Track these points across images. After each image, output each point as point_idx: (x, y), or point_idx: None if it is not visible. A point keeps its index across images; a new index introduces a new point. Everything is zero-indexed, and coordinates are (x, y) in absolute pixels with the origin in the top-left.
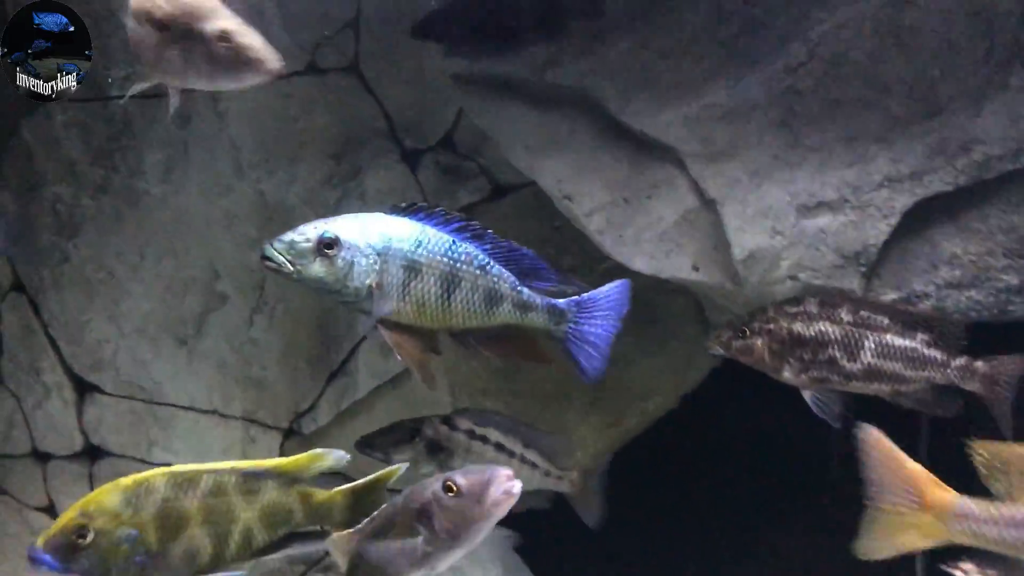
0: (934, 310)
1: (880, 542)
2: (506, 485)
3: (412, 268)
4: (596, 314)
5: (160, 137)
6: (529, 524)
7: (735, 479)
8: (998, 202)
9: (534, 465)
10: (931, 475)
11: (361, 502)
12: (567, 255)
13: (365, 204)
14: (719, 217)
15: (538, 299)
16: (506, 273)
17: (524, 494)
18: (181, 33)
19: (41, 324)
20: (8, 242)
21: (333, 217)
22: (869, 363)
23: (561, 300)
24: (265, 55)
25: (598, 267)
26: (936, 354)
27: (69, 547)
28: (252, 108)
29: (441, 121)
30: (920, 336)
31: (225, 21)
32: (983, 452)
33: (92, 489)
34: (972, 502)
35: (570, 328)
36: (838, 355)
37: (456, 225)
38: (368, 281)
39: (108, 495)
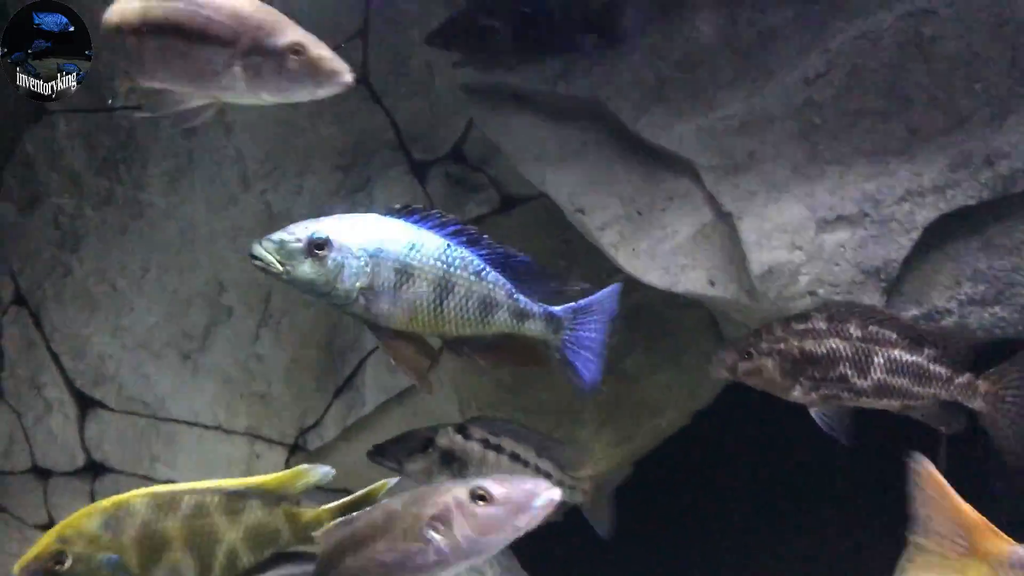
0: (938, 326)
1: None
2: (548, 497)
3: (404, 272)
4: (592, 320)
5: (165, 148)
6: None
7: (744, 492)
8: (1023, 216)
9: (548, 475)
10: (986, 520)
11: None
12: (577, 268)
13: None
14: (735, 231)
15: (535, 307)
16: (502, 280)
17: None
18: (249, 48)
19: (43, 338)
20: None
21: (324, 217)
22: (879, 379)
23: (558, 308)
24: (338, 66)
25: (609, 281)
26: (941, 370)
27: (46, 574)
28: (258, 119)
29: (450, 132)
30: (926, 351)
31: (295, 33)
32: None
33: None
34: None
35: (567, 336)
36: (849, 372)
37: (451, 229)
38: (358, 284)
39: (86, 519)
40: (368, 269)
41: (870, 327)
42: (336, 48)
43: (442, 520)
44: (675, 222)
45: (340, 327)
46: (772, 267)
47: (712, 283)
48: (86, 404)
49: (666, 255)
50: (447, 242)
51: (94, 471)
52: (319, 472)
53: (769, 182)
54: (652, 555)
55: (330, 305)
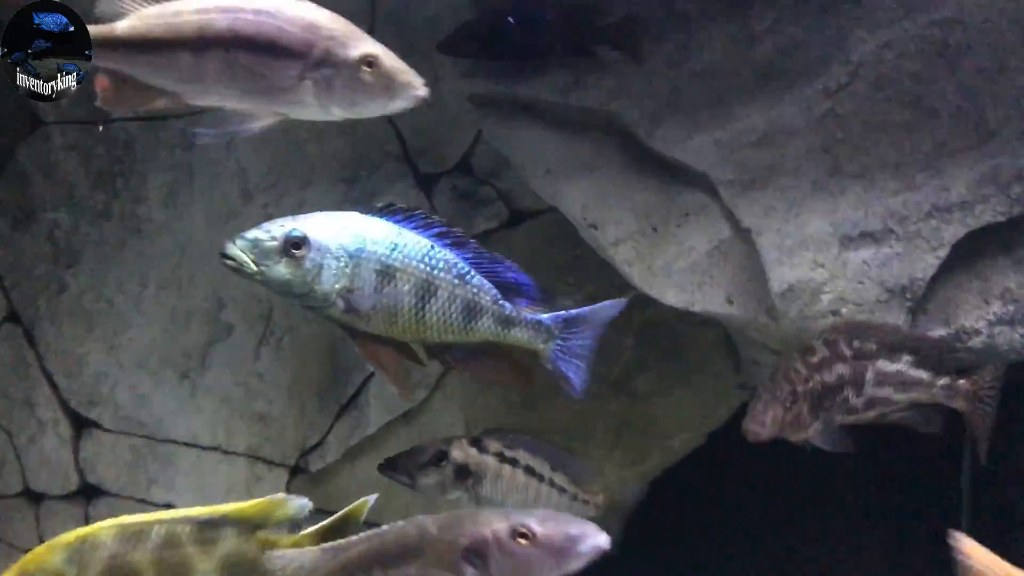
0: (916, 330)
1: None
2: (594, 543)
3: (386, 273)
4: (585, 330)
5: (164, 161)
6: None
7: (756, 512)
8: None
9: (562, 489)
10: None
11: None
12: (588, 284)
13: None
14: (755, 248)
15: (522, 314)
16: (487, 284)
17: None
18: (320, 60)
19: (36, 357)
20: None
21: (302, 215)
22: (871, 394)
23: (546, 315)
24: (413, 80)
25: (621, 296)
26: (922, 375)
27: None
28: (260, 132)
29: (458, 144)
30: (905, 357)
31: (368, 44)
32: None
33: None
34: None
35: (558, 344)
36: (850, 393)
37: (436, 230)
38: (337, 285)
39: (50, 553)
40: (348, 270)
41: (855, 343)
42: None
43: (478, 553)
44: (691, 238)
45: (343, 345)
46: (793, 285)
47: (730, 301)
48: (80, 424)
49: (683, 272)
50: (431, 243)
51: (88, 494)
52: (296, 504)
53: (789, 197)
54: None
55: (306, 308)
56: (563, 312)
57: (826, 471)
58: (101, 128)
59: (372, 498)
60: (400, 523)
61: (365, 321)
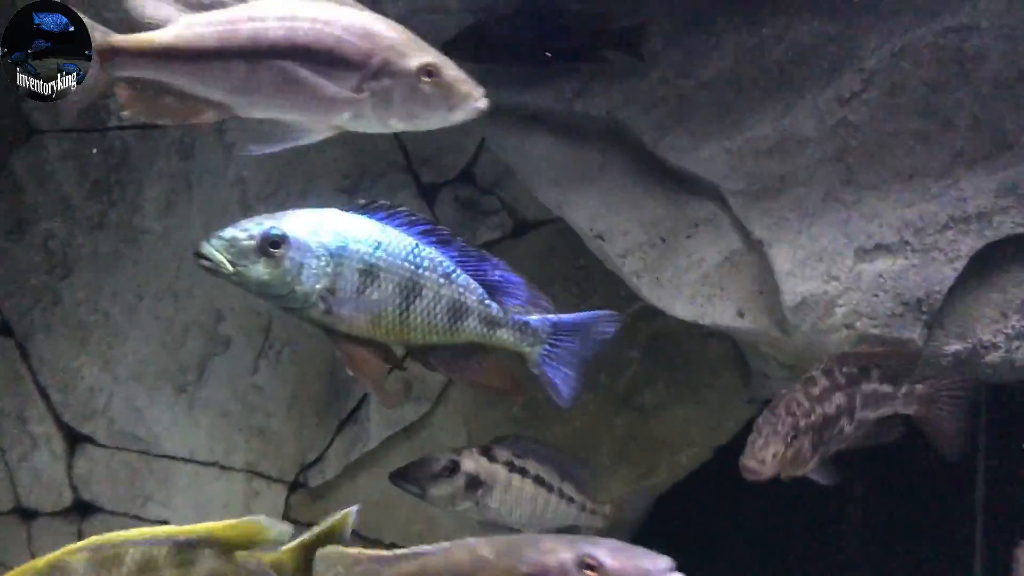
0: (884, 344)
1: None
2: None
3: (369, 273)
4: (575, 339)
5: (161, 170)
6: None
7: (764, 530)
8: None
9: (570, 500)
10: None
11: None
12: (594, 296)
13: None
14: (766, 259)
15: (508, 315)
16: (474, 284)
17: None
18: (379, 71)
19: (29, 370)
20: None
21: (281, 212)
22: (859, 418)
23: (534, 318)
24: (473, 90)
25: (627, 309)
26: (888, 388)
27: None
28: (259, 140)
29: (460, 153)
30: (874, 373)
31: (428, 53)
32: None
33: None
34: None
35: (546, 349)
36: (844, 422)
37: (421, 228)
38: (318, 285)
39: None
40: (329, 270)
41: (844, 368)
42: None
43: None
44: (701, 249)
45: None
46: (806, 298)
47: (741, 314)
48: (75, 440)
49: (692, 284)
50: (415, 241)
51: (82, 511)
52: (277, 530)
53: (802, 208)
54: None
55: (284, 309)
56: (553, 316)
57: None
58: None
59: (354, 510)
60: (445, 545)
61: (347, 323)
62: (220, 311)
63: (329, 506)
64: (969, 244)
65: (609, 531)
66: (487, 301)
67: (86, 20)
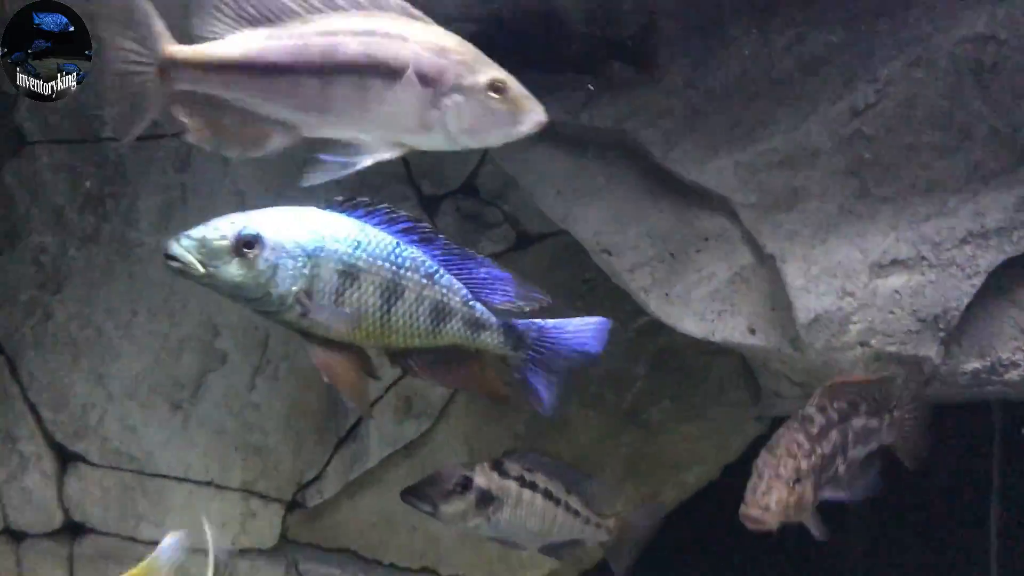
0: (900, 362)
1: None
2: None
3: (348, 274)
4: (561, 344)
5: (156, 182)
6: None
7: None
8: None
9: (576, 513)
10: None
11: None
12: (599, 311)
13: None
14: (779, 275)
15: (494, 318)
16: (457, 284)
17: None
18: (451, 87)
19: (19, 387)
20: None
21: (255, 210)
22: (851, 457)
23: (521, 321)
24: (536, 106)
25: (633, 324)
26: (875, 423)
27: None
28: None
29: (462, 164)
30: (862, 407)
31: (495, 70)
32: None
33: (71, 571)
34: None
35: (530, 355)
36: (839, 462)
37: (402, 226)
38: (295, 287)
39: None
40: (306, 271)
41: (835, 403)
42: None
43: None
44: (711, 264)
45: None
46: (820, 315)
47: (752, 331)
48: (66, 459)
49: (702, 300)
50: (396, 240)
51: (73, 532)
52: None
53: (815, 222)
54: None
55: (259, 313)
56: (539, 321)
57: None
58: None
59: (178, 536)
60: None
61: (325, 326)
62: (216, 326)
63: (328, 526)
64: (988, 259)
65: (615, 546)
66: (471, 302)
67: (152, 28)
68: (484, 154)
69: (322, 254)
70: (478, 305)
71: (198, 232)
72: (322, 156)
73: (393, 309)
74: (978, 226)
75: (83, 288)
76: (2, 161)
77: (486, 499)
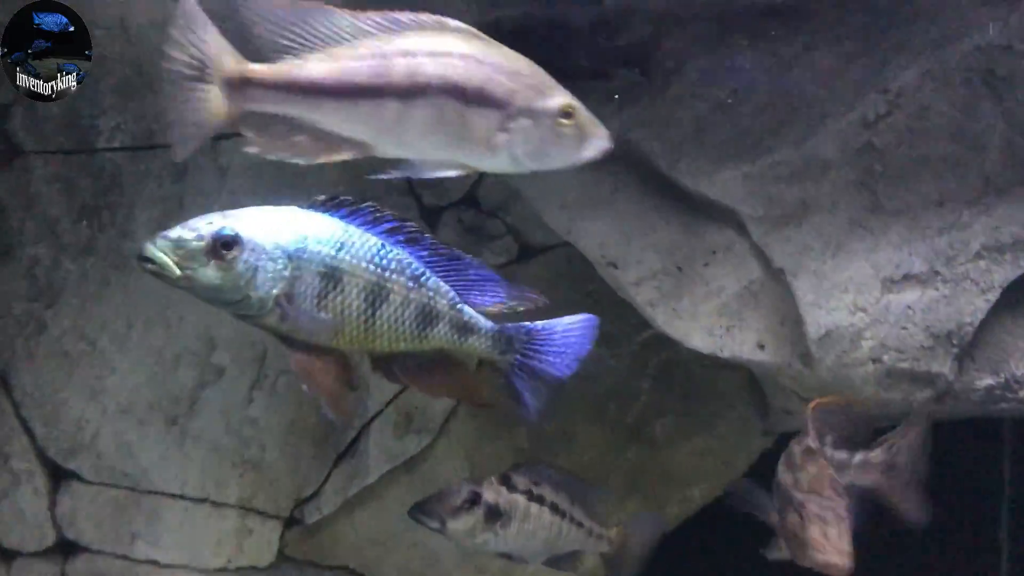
0: (912, 378)
1: None
2: None
3: (331, 276)
4: (550, 349)
5: (152, 193)
6: None
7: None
8: None
9: (580, 524)
10: None
11: None
12: (603, 323)
13: None
14: (789, 289)
15: (482, 321)
16: (445, 287)
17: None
18: (520, 111)
19: (11, 403)
20: None
21: (234, 210)
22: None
23: (510, 324)
24: (602, 131)
25: (637, 337)
26: (844, 455)
27: None
28: (256, 161)
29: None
30: (828, 438)
31: (564, 94)
32: None
33: None
34: None
35: (518, 359)
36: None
37: (387, 226)
38: (275, 291)
39: None
40: (287, 273)
41: (826, 436)
42: None
43: None
44: (719, 278)
45: None
46: (831, 330)
47: (762, 347)
48: (59, 476)
49: (710, 315)
50: (381, 241)
51: (66, 551)
52: None
53: (826, 235)
54: None
55: (238, 316)
56: (528, 323)
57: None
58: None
59: None
60: None
61: (306, 331)
62: (213, 339)
63: (326, 543)
64: (1003, 274)
65: (616, 556)
66: (459, 305)
67: (218, 45)
68: None
69: (304, 256)
70: (466, 308)
71: (174, 232)
72: (386, 175)
73: (378, 313)
74: (993, 240)
75: (77, 301)
76: None
77: (494, 514)
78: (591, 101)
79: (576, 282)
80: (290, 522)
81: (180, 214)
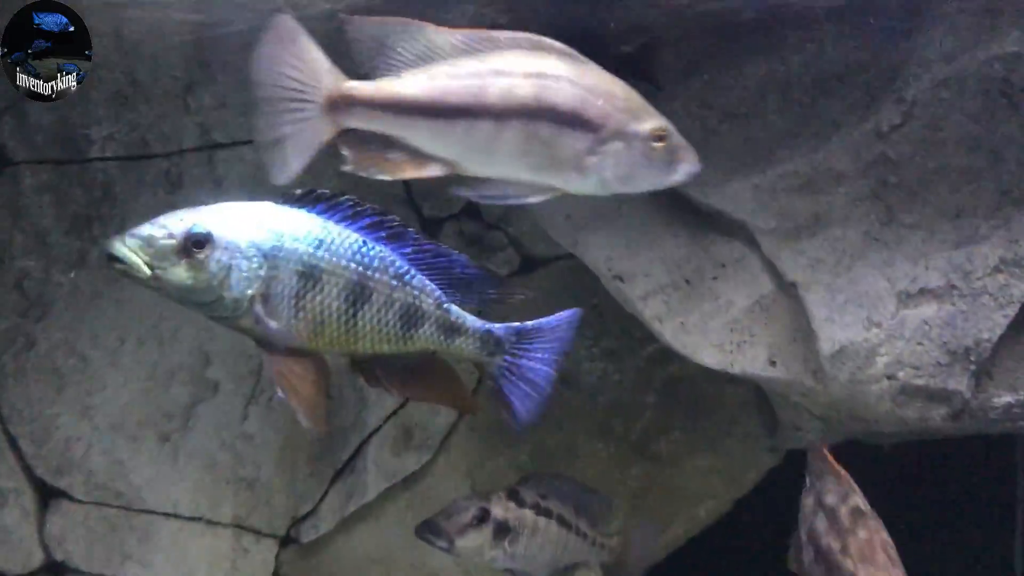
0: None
1: None
2: None
3: (309, 275)
4: (539, 346)
5: (146, 204)
6: None
7: None
8: None
9: (585, 536)
10: None
11: None
12: (607, 337)
13: None
14: (801, 304)
15: (469, 321)
16: (430, 285)
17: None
18: (613, 133)
19: None
20: None
21: (206, 206)
22: None
23: (498, 325)
24: (692, 153)
25: (642, 351)
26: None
27: None
28: (253, 172)
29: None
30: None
31: (657, 118)
32: None
33: None
34: None
35: (506, 360)
36: None
37: (368, 221)
38: (250, 291)
39: None
40: (262, 272)
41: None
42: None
43: None
44: (729, 292)
45: (339, 403)
46: (845, 346)
47: (773, 363)
48: (47, 495)
49: (720, 330)
50: (362, 238)
51: (54, 573)
52: None
53: (839, 248)
54: None
55: (212, 318)
56: (517, 324)
57: None
58: None
59: None
60: None
61: (284, 333)
62: (208, 354)
63: (323, 563)
64: (1021, 289)
65: (616, 566)
66: (445, 305)
67: (319, 63)
68: None
69: (280, 254)
70: (453, 308)
71: (144, 230)
72: (478, 197)
73: (359, 313)
74: (1011, 253)
75: (68, 315)
76: None
77: (503, 531)
78: None
79: (580, 295)
80: (286, 541)
81: None
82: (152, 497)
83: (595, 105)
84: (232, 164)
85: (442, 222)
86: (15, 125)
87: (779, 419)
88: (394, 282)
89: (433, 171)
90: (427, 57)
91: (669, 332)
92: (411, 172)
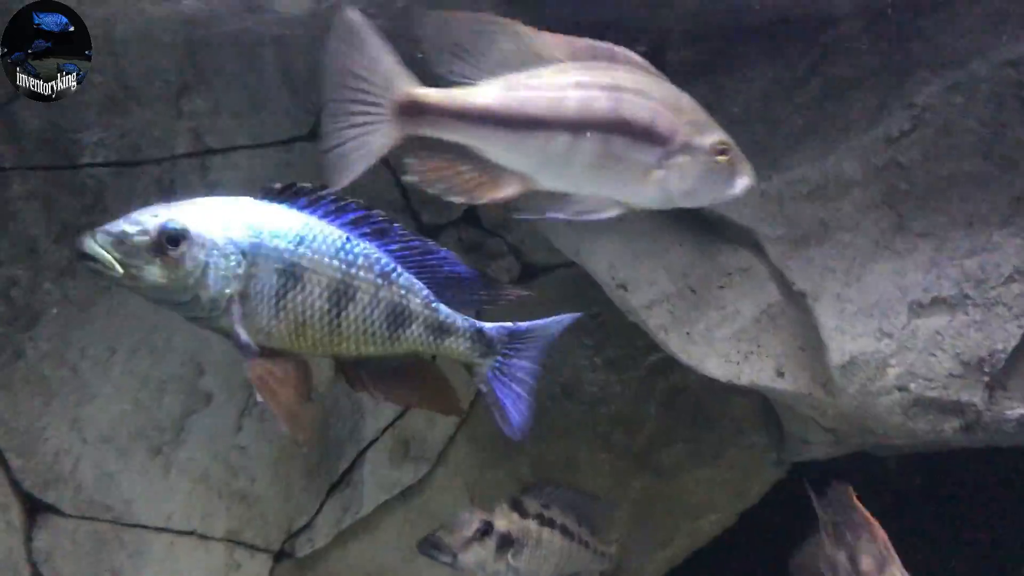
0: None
1: None
2: None
3: (290, 274)
4: (530, 348)
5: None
6: None
7: None
8: None
9: (586, 545)
10: None
11: None
12: (609, 347)
13: None
14: (810, 313)
15: (459, 320)
16: (418, 284)
17: None
18: (680, 147)
19: None
20: None
21: (182, 202)
22: None
23: (489, 324)
24: (750, 167)
25: (644, 360)
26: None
27: None
28: (246, 178)
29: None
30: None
31: (719, 131)
32: None
33: None
34: None
35: (497, 362)
36: None
37: (351, 216)
38: (228, 290)
39: None
40: (241, 271)
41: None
42: None
43: None
44: (736, 301)
45: (335, 415)
46: (855, 357)
47: (781, 374)
48: (35, 509)
49: (726, 340)
50: (346, 234)
51: None
52: None
53: (848, 257)
54: None
55: (188, 318)
56: (510, 324)
57: None
58: None
59: None
60: None
61: (265, 334)
62: (201, 364)
63: None
64: None
65: (615, 572)
66: (434, 304)
67: (390, 65)
68: None
69: (259, 251)
70: (442, 307)
71: (116, 227)
72: (544, 217)
73: (343, 314)
74: None
75: (57, 325)
76: None
77: (507, 543)
78: None
79: (581, 303)
80: (280, 556)
81: None
82: (143, 511)
83: (666, 118)
84: (226, 170)
85: (441, 229)
86: (4, 130)
87: (785, 431)
88: (380, 280)
89: (509, 190)
90: (504, 63)
91: (674, 342)
92: (488, 195)
